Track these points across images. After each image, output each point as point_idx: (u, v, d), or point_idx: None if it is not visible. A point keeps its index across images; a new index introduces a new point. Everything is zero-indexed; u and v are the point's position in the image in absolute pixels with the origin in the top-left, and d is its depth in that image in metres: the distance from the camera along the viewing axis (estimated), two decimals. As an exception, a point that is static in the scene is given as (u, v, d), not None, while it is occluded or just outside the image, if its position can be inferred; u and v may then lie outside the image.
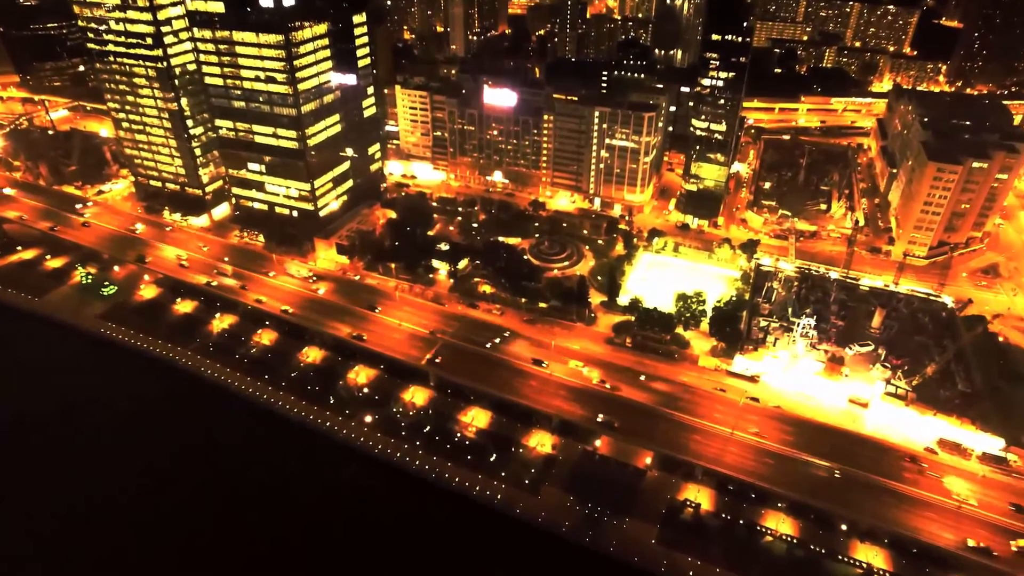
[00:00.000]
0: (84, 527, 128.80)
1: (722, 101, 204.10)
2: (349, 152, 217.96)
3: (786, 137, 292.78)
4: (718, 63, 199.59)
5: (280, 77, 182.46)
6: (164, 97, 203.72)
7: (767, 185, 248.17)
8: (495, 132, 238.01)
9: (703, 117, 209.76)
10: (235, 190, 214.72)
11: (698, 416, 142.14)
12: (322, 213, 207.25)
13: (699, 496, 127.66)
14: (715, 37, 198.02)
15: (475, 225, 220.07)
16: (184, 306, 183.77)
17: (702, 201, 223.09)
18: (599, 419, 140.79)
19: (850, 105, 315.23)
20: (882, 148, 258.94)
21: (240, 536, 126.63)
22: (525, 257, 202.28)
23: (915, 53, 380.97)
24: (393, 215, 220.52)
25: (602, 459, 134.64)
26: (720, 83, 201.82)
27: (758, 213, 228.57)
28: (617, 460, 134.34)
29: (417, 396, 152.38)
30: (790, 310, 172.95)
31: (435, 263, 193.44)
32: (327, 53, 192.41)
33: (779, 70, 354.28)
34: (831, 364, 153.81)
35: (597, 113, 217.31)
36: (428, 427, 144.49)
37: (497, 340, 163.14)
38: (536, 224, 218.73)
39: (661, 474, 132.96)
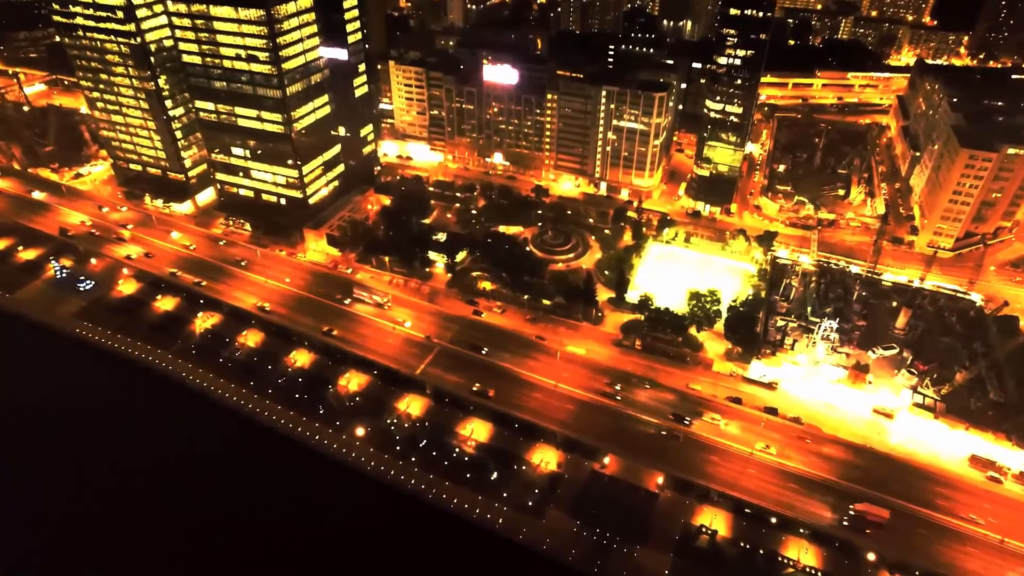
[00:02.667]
0: (57, 535, 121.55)
1: (739, 81, 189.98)
2: (341, 131, 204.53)
3: (796, 115, 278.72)
4: (735, 40, 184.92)
5: (262, 56, 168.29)
6: (140, 76, 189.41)
7: (781, 168, 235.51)
8: (495, 111, 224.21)
9: (718, 98, 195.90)
10: (218, 176, 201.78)
11: (716, 434, 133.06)
12: (312, 201, 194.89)
13: (715, 521, 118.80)
14: (733, 11, 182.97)
15: (474, 212, 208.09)
16: (165, 303, 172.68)
17: (715, 186, 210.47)
18: (475, 387, 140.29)
19: (867, 80, 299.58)
20: (903, 128, 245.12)
21: (223, 553, 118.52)
22: (528, 248, 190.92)
23: (935, 23, 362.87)
24: (387, 201, 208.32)
25: (611, 480, 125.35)
26: (737, 61, 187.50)
27: (773, 199, 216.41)
28: (628, 482, 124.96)
29: (413, 406, 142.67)
30: (809, 309, 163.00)
31: (432, 255, 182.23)
32: (314, 29, 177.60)
33: (793, 42, 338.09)
34: (855, 372, 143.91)
35: (604, 92, 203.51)
36: (424, 441, 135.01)
37: (617, 386, 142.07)
38: (539, 212, 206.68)
39: (674, 495, 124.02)
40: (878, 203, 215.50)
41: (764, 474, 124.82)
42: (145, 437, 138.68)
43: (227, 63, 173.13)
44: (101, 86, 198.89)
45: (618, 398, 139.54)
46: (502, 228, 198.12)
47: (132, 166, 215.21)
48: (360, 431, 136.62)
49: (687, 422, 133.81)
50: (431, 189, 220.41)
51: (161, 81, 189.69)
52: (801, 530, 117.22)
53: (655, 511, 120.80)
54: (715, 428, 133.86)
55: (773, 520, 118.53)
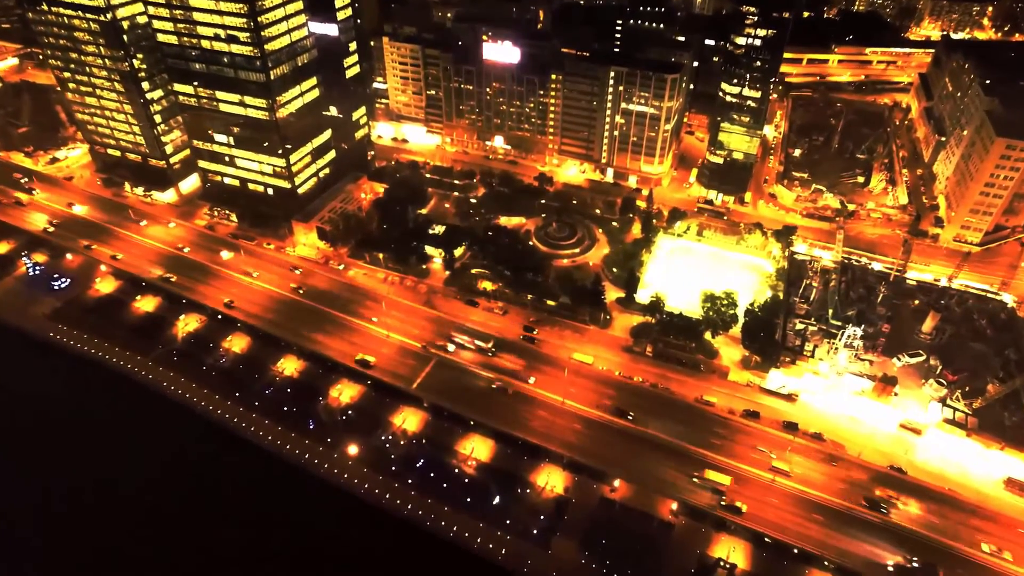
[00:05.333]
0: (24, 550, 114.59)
1: (758, 63, 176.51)
2: (333, 111, 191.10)
3: (812, 93, 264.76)
4: (756, 18, 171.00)
5: (243, 36, 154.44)
6: (112, 55, 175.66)
7: (797, 152, 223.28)
8: (495, 90, 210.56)
9: (734, 80, 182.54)
10: (201, 163, 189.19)
11: (733, 456, 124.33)
12: (300, 190, 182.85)
13: (733, 554, 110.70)
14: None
15: (473, 201, 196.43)
16: (145, 304, 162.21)
17: (729, 174, 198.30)
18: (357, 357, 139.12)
19: (887, 56, 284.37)
20: (925, 109, 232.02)
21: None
22: (530, 242, 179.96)
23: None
24: (381, 189, 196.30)
25: (623, 508, 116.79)
26: (757, 42, 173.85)
27: (789, 187, 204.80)
28: (640, 510, 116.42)
29: (409, 421, 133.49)
30: (831, 311, 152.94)
31: (429, 250, 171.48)
32: (299, 5, 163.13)
33: (807, 14, 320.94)
34: (881, 385, 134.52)
35: (612, 73, 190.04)
36: (422, 460, 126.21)
37: (773, 455, 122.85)
38: (542, 201, 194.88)
39: (688, 522, 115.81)
40: (900, 192, 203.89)
41: (788, 503, 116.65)
42: (121, 452, 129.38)
43: (205, 44, 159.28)
44: (72, 65, 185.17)
45: (790, 473, 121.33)
46: (503, 219, 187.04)
47: (110, 151, 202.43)
48: (353, 449, 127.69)
49: (884, 509, 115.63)
50: (428, 176, 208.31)
51: (136, 62, 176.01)
52: (826, 563, 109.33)
53: (670, 541, 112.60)
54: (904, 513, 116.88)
55: (795, 551, 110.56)
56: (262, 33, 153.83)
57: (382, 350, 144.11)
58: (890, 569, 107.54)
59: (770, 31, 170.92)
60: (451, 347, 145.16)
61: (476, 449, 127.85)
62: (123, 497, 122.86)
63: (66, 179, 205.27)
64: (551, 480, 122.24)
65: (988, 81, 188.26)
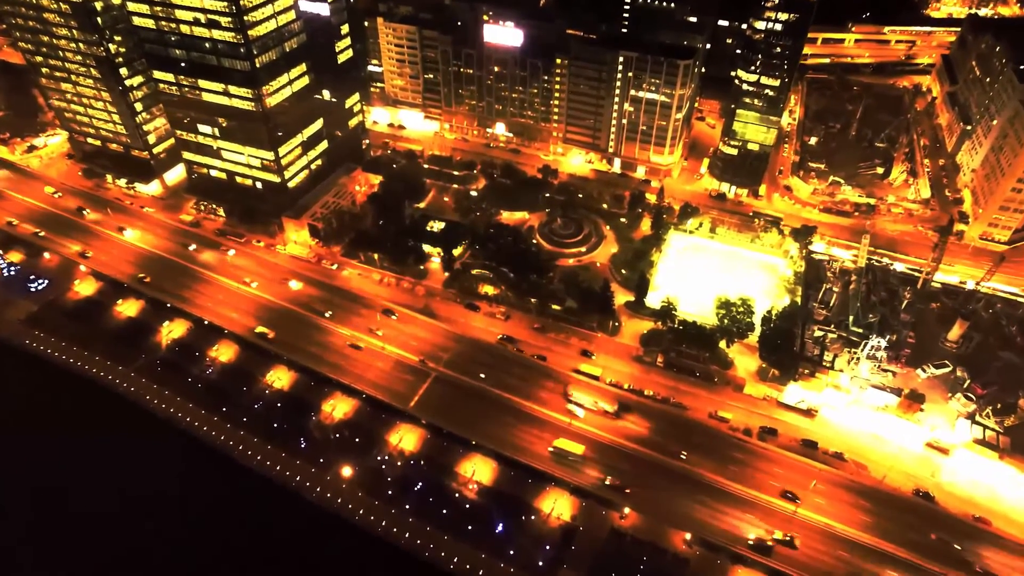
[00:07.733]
0: None
1: (778, 49, 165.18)
2: (326, 95, 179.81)
3: (828, 76, 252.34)
4: (777, 1, 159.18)
5: (225, 21, 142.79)
6: (87, 39, 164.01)
7: (813, 141, 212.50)
8: (496, 74, 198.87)
9: (752, 68, 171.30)
10: (186, 155, 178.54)
11: (748, 484, 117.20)
12: (291, 184, 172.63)
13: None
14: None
15: (474, 194, 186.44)
16: (127, 307, 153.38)
17: (743, 165, 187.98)
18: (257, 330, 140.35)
19: (907, 36, 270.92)
20: (949, 95, 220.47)
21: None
22: (534, 240, 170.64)
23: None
24: (376, 181, 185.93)
25: (634, 541, 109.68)
26: (778, 27, 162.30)
27: (805, 179, 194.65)
28: (653, 543, 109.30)
29: (406, 439, 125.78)
30: (852, 318, 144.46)
31: (427, 249, 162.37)
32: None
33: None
34: (907, 402, 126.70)
35: (621, 59, 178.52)
36: (420, 484, 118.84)
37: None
38: (547, 195, 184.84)
39: (702, 552, 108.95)
40: (922, 185, 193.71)
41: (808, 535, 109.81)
42: (101, 470, 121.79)
43: (185, 29, 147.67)
44: (44, 49, 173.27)
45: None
46: (505, 215, 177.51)
47: (90, 140, 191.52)
48: (347, 471, 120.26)
49: None
50: (426, 166, 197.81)
51: (113, 47, 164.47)
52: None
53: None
54: None
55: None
56: (245, 17, 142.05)
57: (377, 363, 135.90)
58: (750, 542, 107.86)
59: (792, 15, 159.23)
60: (580, 412, 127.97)
61: (477, 470, 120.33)
62: (101, 518, 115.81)
63: (68, 156, 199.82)
64: (557, 506, 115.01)
65: (1022, 67, 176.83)
